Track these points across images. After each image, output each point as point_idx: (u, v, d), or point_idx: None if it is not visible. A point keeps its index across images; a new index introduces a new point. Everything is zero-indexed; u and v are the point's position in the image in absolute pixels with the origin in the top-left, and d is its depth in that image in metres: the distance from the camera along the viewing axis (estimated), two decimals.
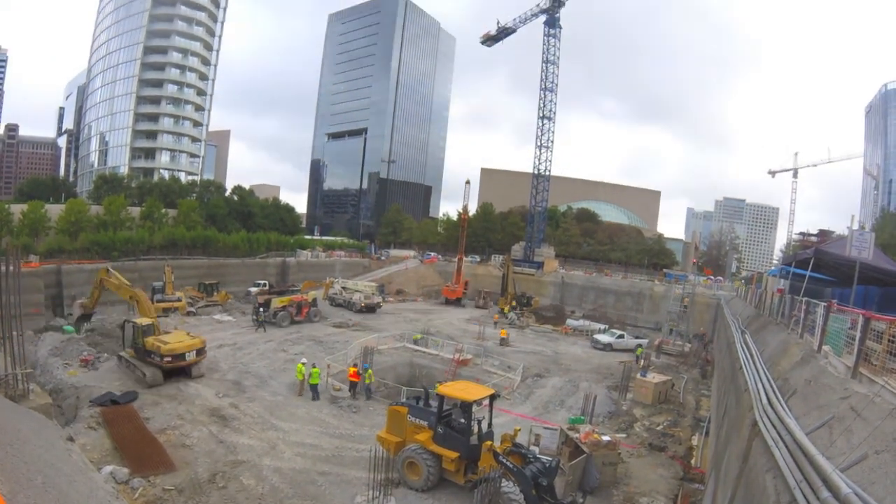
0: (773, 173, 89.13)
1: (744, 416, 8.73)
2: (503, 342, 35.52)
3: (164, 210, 59.98)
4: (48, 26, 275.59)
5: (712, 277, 71.73)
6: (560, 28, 71.08)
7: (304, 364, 22.09)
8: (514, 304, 51.37)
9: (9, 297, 10.95)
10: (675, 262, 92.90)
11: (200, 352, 22.64)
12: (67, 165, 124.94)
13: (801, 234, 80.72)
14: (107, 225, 51.81)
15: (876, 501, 3.62)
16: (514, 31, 75.30)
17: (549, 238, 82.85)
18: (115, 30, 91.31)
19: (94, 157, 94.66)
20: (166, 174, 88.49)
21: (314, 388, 21.26)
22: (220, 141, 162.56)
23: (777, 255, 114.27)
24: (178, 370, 21.68)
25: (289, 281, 54.86)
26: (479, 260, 77.81)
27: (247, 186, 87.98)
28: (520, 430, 15.26)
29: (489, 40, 77.92)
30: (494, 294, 58.45)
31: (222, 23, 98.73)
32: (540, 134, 71.52)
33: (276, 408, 19.84)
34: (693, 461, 17.87)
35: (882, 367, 6.65)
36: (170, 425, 17.19)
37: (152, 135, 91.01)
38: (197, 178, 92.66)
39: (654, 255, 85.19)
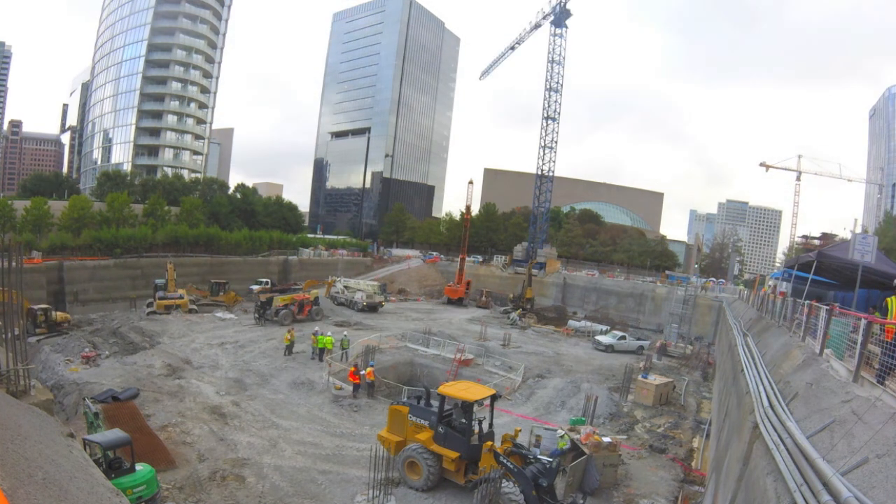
0: (766, 167, 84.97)
1: (745, 419, 8.70)
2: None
3: (166, 207, 60.03)
4: (53, 23, 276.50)
5: (714, 280, 71.69)
6: (566, 28, 70.85)
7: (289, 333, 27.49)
8: (526, 306, 51.22)
9: (10, 293, 10.99)
10: (678, 263, 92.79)
11: None
12: (71, 162, 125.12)
13: (804, 237, 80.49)
14: (109, 222, 51.88)
15: None
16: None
17: (552, 239, 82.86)
18: (120, 27, 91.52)
19: (98, 154, 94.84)
20: (169, 171, 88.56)
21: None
22: (223, 139, 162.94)
23: (780, 258, 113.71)
24: None
25: (291, 279, 54.95)
26: (481, 260, 77.80)
27: (250, 184, 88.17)
28: (520, 430, 15.26)
29: None
30: (496, 295, 58.36)
31: (227, 21, 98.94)
32: (544, 134, 71.45)
33: (277, 406, 19.89)
34: (694, 463, 17.84)
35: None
36: (171, 422, 17.24)
37: (156, 132, 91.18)
38: (200, 175, 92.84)
39: (657, 257, 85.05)
